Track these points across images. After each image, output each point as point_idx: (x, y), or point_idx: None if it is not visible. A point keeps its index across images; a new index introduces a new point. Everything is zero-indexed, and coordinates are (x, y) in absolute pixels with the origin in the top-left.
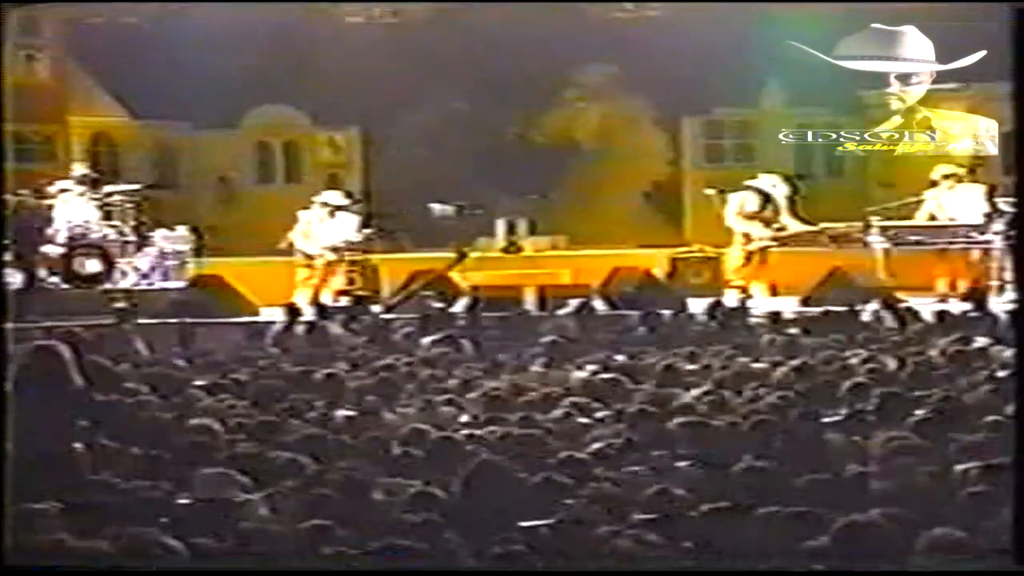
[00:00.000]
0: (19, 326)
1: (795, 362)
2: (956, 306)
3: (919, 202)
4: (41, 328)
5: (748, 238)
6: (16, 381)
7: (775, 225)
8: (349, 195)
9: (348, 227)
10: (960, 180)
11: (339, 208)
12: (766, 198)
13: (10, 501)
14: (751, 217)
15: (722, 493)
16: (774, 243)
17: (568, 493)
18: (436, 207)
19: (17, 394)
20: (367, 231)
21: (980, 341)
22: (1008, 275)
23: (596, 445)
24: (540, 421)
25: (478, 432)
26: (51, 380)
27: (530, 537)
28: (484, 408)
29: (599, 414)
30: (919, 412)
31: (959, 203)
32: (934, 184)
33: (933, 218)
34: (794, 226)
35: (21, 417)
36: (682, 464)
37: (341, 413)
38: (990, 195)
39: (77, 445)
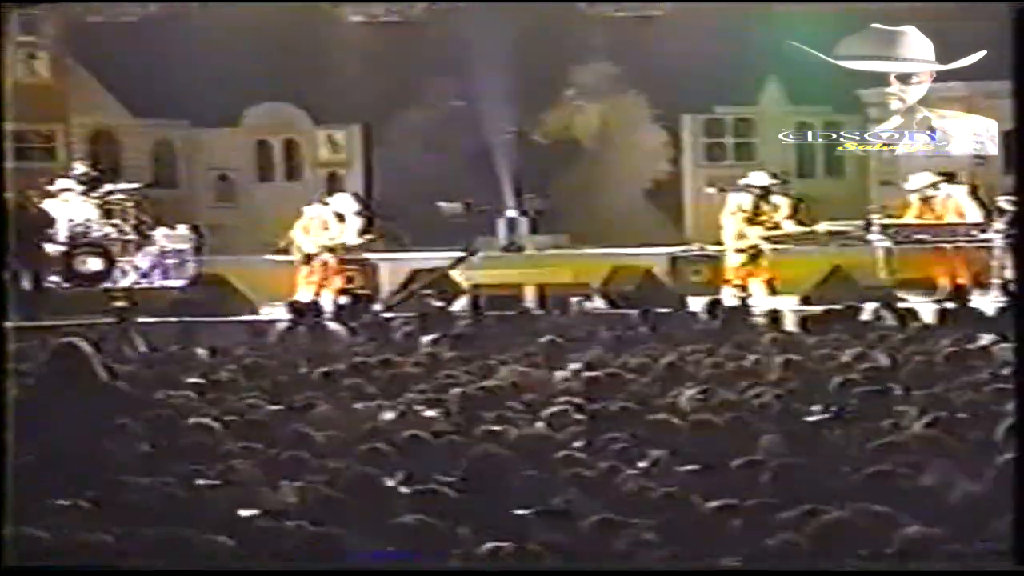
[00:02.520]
0: (21, 325)
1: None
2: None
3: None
4: (44, 328)
5: (741, 236)
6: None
7: (769, 224)
8: (358, 197)
9: (350, 230)
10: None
11: (344, 210)
12: (760, 197)
13: (34, 497)
14: (748, 216)
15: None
16: (765, 243)
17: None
18: (444, 205)
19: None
20: (368, 237)
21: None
22: (1008, 274)
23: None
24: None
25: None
26: (76, 376)
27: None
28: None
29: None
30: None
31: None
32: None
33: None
34: (788, 227)
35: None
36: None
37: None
38: (974, 194)
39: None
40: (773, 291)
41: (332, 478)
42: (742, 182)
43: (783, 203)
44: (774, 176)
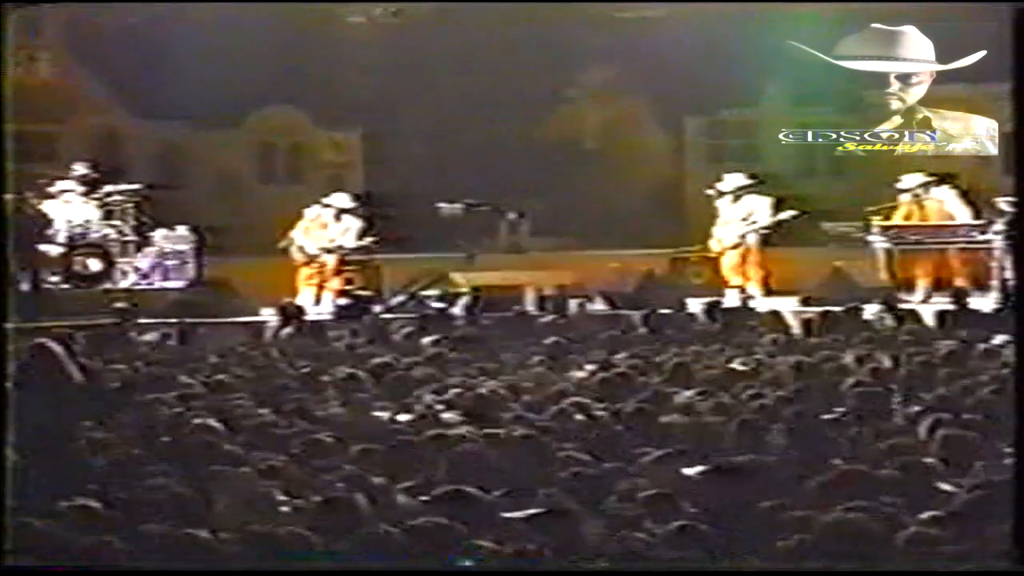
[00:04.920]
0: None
1: None
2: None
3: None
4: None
5: (719, 240)
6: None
7: (749, 220)
8: (357, 197)
9: (351, 232)
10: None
11: (345, 211)
12: (735, 198)
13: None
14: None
15: None
16: (742, 240)
17: None
18: (444, 206)
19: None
20: (369, 239)
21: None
22: (1008, 274)
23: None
24: None
25: None
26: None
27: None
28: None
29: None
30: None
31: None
32: (907, 191)
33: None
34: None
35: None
36: None
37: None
38: (965, 198)
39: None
40: (769, 291)
41: None
42: (718, 185)
43: (764, 203)
44: (752, 177)
